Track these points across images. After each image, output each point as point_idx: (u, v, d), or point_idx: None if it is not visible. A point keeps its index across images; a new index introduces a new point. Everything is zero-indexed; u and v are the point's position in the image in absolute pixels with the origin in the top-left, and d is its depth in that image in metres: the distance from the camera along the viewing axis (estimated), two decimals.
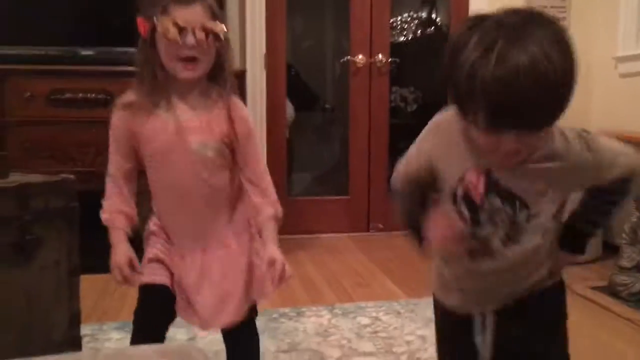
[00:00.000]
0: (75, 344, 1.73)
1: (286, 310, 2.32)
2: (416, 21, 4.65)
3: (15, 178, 1.62)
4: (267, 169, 1.39)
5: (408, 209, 1.01)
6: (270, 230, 1.36)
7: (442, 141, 0.97)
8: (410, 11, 4.63)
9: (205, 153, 1.29)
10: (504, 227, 0.95)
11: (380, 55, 3.58)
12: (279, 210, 1.38)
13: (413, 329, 2.14)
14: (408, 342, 2.03)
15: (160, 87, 1.27)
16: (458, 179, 0.94)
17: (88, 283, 1.90)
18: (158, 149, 1.30)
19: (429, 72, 4.09)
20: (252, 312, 1.43)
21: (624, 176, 0.95)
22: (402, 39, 4.60)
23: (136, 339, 1.32)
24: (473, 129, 0.87)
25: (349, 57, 3.61)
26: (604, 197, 0.97)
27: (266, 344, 1.99)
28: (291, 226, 3.60)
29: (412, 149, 1.04)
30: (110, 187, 1.37)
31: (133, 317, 1.38)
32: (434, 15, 4.62)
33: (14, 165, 1.71)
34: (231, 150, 1.33)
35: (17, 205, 1.54)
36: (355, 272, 2.89)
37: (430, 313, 2.26)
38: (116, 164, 1.35)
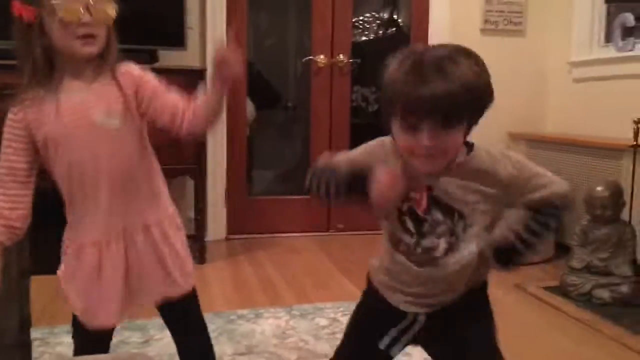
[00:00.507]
0: (25, 348, 1.68)
1: (244, 312, 2.31)
2: (378, 21, 4.68)
3: None
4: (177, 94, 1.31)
5: (350, 178, 1.02)
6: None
7: (382, 155, 1.07)
8: (371, 11, 4.65)
9: (111, 124, 1.25)
10: (445, 237, 1.05)
11: (341, 55, 3.60)
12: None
13: None
14: None
15: (52, 71, 1.24)
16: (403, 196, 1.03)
17: (37, 285, 1.84)
18: (57, 132, 1.24)
19: None
20: (192, 300, 1.43)
21: (551, 200, 1.01)
22: (363, 38, 4.62)
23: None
24: (397, 134, 0.99)
25: (310, 56, 3.61)
26: (536, 218, 1.01)
27: (223, 347, 1.98)
28: (251, 226, 3.60)
29: (358, 148, 1.13)
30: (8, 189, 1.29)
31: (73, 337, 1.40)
32: (395, 16, 4.66)
33: None
34: (140, 114, 1.29)
35: None
36: (315, 272, 2.89)
37: None
38: (6, 163, 1.26)
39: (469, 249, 1.05)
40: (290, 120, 4.77)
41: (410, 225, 1.06)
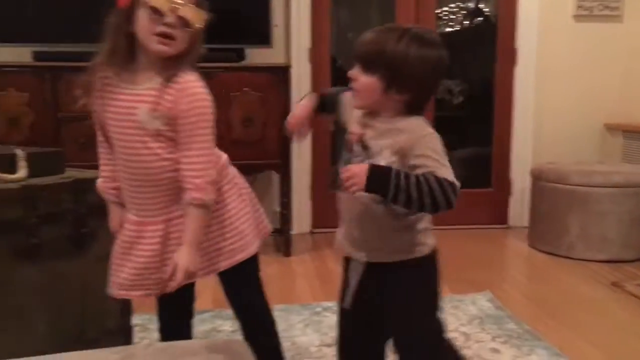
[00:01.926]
0: (127, 333, 1.79)
1: (330, 304, 2.34)
2: (463, 12, 4.57)
3: (71, 173, 1.68)
4: (206, 152, 1.32)
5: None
6: (189, 222, 1.31)
7: (348, 106, 1.33)
8: (456, 1, 4.55)
9: (151, 123, 1.28)
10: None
11: None
12: (198, 197, 1.30)
13: (457, 325, 2.13)
14: (451, 339, 2.02)
15: (130, 57, 1.30)
16: (350, 130, 1.29)
17: None
18: (108, 116, 1.33)
19: (475, 64, 4.02)
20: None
21: (431, 174, 1.12)
22: (448, 29, 4.53)
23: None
24: None
25: None
26: (417, 176, 1.12)
27: (310, 338, 2.02)
28: (335, 219, 3.61)
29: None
30: (100, 153, 1.44)
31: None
32: (481, 5, 4.53)
33: (69, 161, 1.77)
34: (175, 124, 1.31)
35: (73, 199, 1.60)
36: None
37: (474, 310, 2.25)
38: (100, 131, 1.40)
39: None
40: None
41: (345, 154, 1.28)
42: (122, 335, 1.77)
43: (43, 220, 1.51)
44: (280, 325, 1.61)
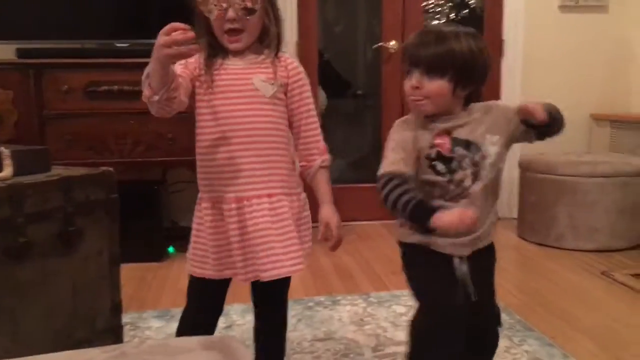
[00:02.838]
0: (117, 332, 1.77)
1: (322, 298, 2.34)
2: (449, 4, 4.57)
3: (58, 171, 1.66)
4: (317, 120, 1.45)
5: (409, 197, 1.21)
6: (324, 183, 1.46)
7: (409, 127, 1.29)
8: None
9: (265, 90, 1.37)
10: (470, 167, 1.26)
11: None
12: (327, 158, 1.45)
13: None
14: None
15: (217, 49, 1.38)
16: (429, 145, 1.26)
17: (126, 272, 1.94)
18: (219, 83, 1.37)
19: None
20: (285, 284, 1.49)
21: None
22: (435, 22, 4.53)
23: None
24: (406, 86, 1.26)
25: (381, 43, 3.58)
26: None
27: (302, 333, 2.01)
28: None
29: (390, 145, 1.28)
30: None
31: (181, 316, 1.47)
32: None
33: (55, 158, 1.75)
34: (286, 96, 1.42)
35: (60, 197, 1.58)
36: (390, 259, 2.89)
37: None
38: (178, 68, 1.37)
39: (489, 177, 1.28)
40: (361, 109, 4.76)
41: (441, 167, 1.26)
42: (113, 334, 1.75)
43: (30, 219, 1.49)
44: None
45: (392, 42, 3.55)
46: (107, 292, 1.73)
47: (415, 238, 1.32)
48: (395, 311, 2.21)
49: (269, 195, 1.37)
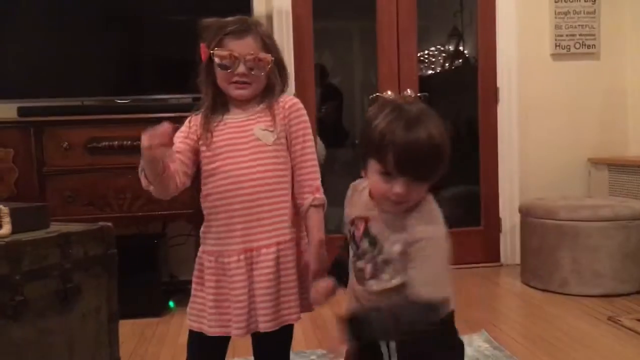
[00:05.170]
0: None
1: (323, 351, 2.29)
2: (444, 54, 4.67)
3: (56, 227, 1.66)
4: (315, 157, 1.45)
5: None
6: (315, 222, 1.42)
7: (354, 195, 1.27)
8: (437, 44, 4.65)
9: (267, 138, 1.38)
10: (370, 263, 1.19)
11: (409, 90, 3.60)
12: (319, 197, 1.43)
13: None
14: None
15: (219, 102, 1.43)
16: (350, 221, 1.24)
17: (125, 328, 1.91)
18: (220, 143, 1.39)
19: (458, 105, 4.08)
20: (286, 337, 1.45)
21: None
22: (430, 72, 4.62)
23: None
24: (373, 179, 1.14)
25: (377, 93, 3.64)
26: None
27: None
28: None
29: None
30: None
31: None
32: (461, 47, 4.63)
33: (54, 214, 1.76)
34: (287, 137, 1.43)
35: (58, 254, 1.57)
36: None
37: (471, 351, 2.21)
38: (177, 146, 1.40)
39: (389, 283, 1.17)
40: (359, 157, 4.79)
41: (353, 246, 1.24)
42: None
43: (28, 277, 1.48)
44: None
45: (389, 92, 3.60)
46: (105, 349, 1.70)
47: None
48: None
49: (277, 244, 1.37)
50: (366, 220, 1.20)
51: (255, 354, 1.52)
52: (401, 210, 1.14)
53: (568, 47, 3.60)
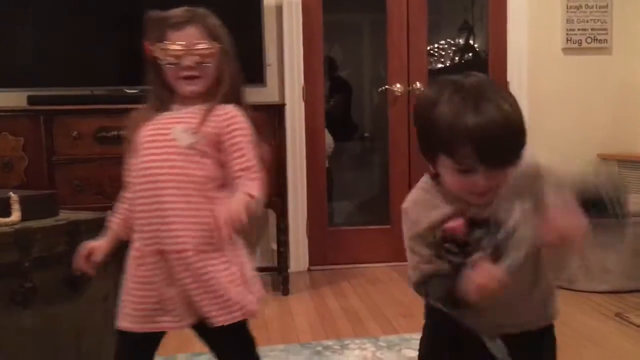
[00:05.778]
0: None
1: (330, 342, 2.30)
2: (454, 48, 4.65)
3: (65, 215, 1.67)
4: (258, 176, 1.36)
5: (446, 293, 1.06)
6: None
7: (420, 213, 1.09)
8: (447, 38, 4.63)
9: (182, 140, 1.30)
10: (490, 248, 1.02)
11: (418, 83, 3.58)
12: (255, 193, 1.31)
13: None
14: None
15: (165, 101, 1.36)
16: (428, 227, 1.07)
17: None
18: (142, 139, 1.35)
19: None
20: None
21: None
22: (439, 65, 4.60)
23: None
24: (449, 177, 1.02)
25: (387, 86, 3.62)
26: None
27: None
28: (333, 256, 3.61)
29: (408, 247, 1.11)
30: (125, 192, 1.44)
31: None
32: (471, 41, 4.61)
33: (64, 203, 1.76)
34: (217, 149, 1.32)
35: (67, 241, 1.58)
36: (399, 302, 2.85)
37: None
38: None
39: (514, 256, 1.00)
40: (368, 151, 4.79)
41: (455, 248, 1.07)
42: None
43: (37, 264, 1.49)
44: None
45: (398, 85, 3.59)
46: (112, 336, 1.71)
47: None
48: (405, 355, 2.17)
49: (185, 250, 1.28)
50: (462, 212, 1.06)
51: (209, 347, 1.48)
52: (491, 199, 1.02)
53: (579, 41, 3.57)
